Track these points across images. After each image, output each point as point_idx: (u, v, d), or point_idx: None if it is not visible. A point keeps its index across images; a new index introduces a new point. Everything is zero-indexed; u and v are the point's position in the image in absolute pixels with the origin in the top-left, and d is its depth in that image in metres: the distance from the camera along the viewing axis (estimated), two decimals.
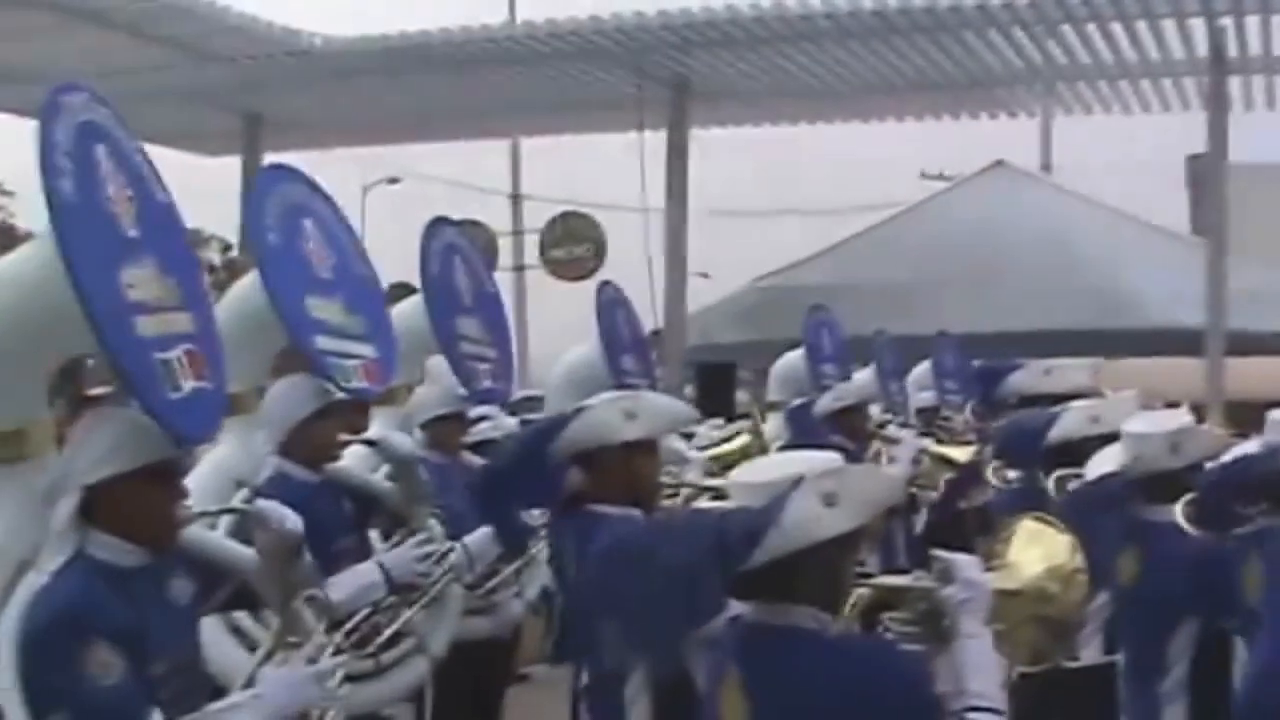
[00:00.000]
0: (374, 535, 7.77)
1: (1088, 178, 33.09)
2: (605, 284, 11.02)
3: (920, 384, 13.71)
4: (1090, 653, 7.73)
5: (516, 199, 38.75)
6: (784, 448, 10.80)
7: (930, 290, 23.72)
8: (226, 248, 35.57)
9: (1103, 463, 7.39)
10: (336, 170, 23.65)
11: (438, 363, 9.09)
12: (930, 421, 12.90)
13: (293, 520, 5.42)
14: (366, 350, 7.40)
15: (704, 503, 8.24)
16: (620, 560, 4.52)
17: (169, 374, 4.80)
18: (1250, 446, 7.21)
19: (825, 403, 11.22)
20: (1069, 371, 11.77)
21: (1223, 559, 6.71)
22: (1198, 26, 20.61)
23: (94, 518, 4.79)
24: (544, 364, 22.84)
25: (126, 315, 4.68)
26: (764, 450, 11.17)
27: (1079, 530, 5.16)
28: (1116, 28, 20.67)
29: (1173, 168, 36.29)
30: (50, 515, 4.77)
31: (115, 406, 5.20)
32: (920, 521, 10.73)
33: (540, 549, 8.22)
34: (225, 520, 6.03)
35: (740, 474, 4.66)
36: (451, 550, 7.57)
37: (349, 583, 6.75)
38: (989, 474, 10.49)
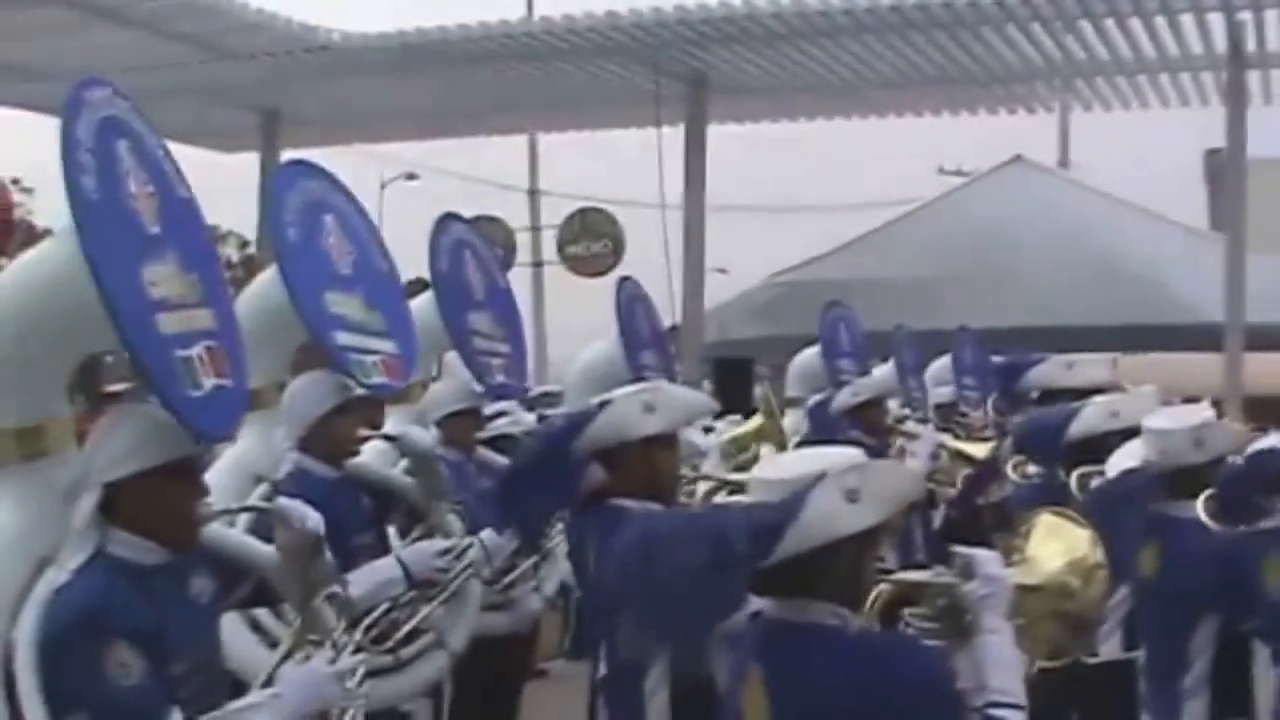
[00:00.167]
0: (390, 532, 7.78)
1: (1106, 173, 33.18)
2: (625, 280, 11.07)
3: (939, 379, 13.71)
4: (1110, 648, 7.72)
5: (534, 195, 38.81)
6: (802, 443, 10.83)
7: (948, 285, 23.71)
8: (244, 244, 35.73)
9: (1124, 459, 7.46)
10: (354, 166, 23.67)
11: (455, 358, 9.13)
12: (948, 417, 12.90)
13: (314, 519, 5.39)
14: (386, 346, 7.45)
15: (723, 496, 8.32)
16: (641, 555, 4.45)
17: (190, 371, 4.80)
18: (1271, 441, 7.21)
19: (844, 398, 11.22)
20: (1090, 366, 11.78)
21: (1244, 554, 6.69)
22: (1216, 21, 20.57)
23: (114, 515, 4.79)
24: (562, 360, 22.88)
25: (148, 312, 4.68)
26: (779, 431, 11.19)
27: (1101, 526, 5.13)
28: (1135, 23, 20.65)
29: (1191, 163, 36.36)
30: (71, 512, 4.77)
31: (136, 403, 5.24)
32: (938, 517, 10.69)
33: (558, 544, 8.27)
34: (243, 516, 6.01)
35: (761, 470, 4.66)
36: (470, 546, 7.55)
37: (368, 578, 6.78)
38: (1008, 469, 10.49)
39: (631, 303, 10.71)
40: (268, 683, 5.11)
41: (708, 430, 11.10)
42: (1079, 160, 37.65)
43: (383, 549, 7.39)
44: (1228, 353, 20.72)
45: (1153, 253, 24.97)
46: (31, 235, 23.37)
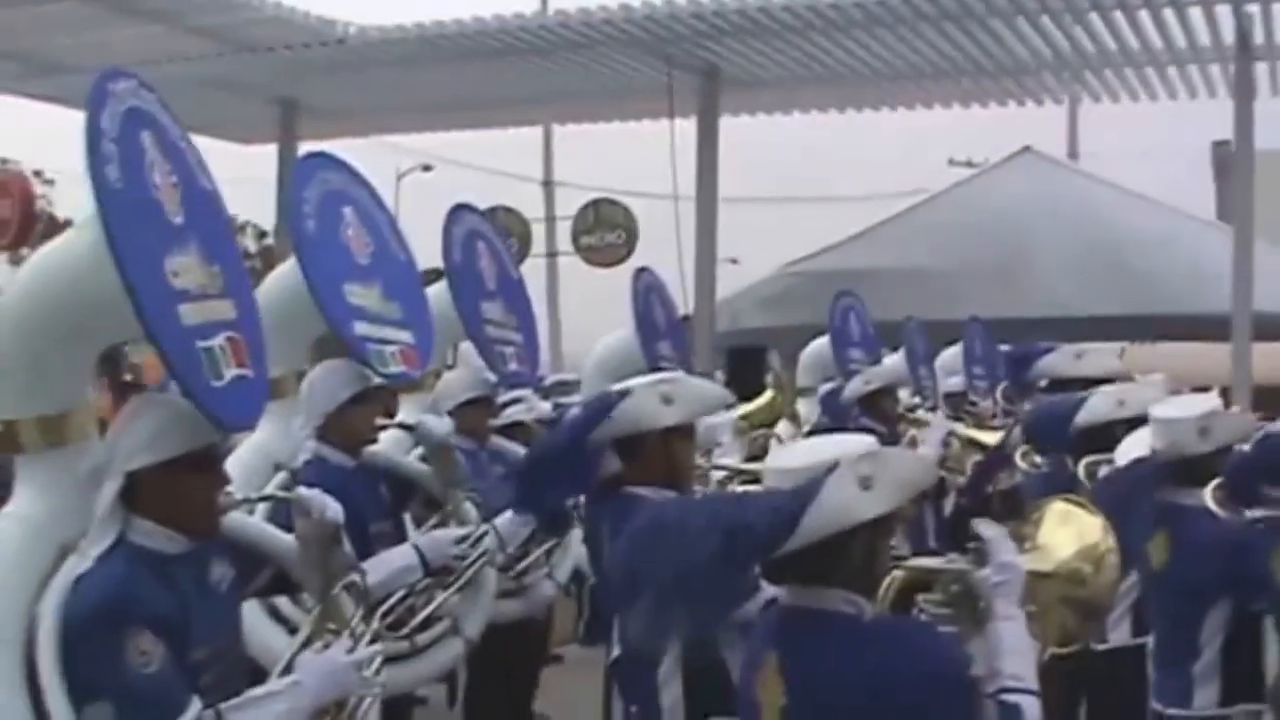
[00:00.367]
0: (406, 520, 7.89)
1: (1114, 164, 33.14)
2: (642, 270, 11.14)
3: (949, 369, 13.80)
4: (1119, 635, 7.89)
5: (549, 186, 38.92)
6: (814, 431, 11.01)
7: (958, 276, 23.74)
8: (262, 234, 35.74)
9: (1132, 448, 7.55)
10: (370, 157, 23.67)
11: (470, 348, 9.25)
12: (958, 406, 13.00)
13: (333, 509, 5.48)
14: (404, 336, 7.59)
15: (736, 485, 8.47)
16: (654, 543, 4.51)
17: (211, 362, 4.84)
18: (1278, 428, 7.36)
19: (855, 386, 11.36)
20: (1098, 355, 11.89)
21: (1253, 542, 6.80)
22: (1224, 13, 20.54)
23: (136, 504, 4.86)
24: (577, 349, 23.02)
25: (171, 303, 4.71)
26: (789, 404, 11.34)
27: (1111, 516, 5.21)
28: (1143, 15, 20.61)
29: (1199, 154, 36.31)
30: (93, 500, 4.84)
31: (157, 393, 5.38)
32: (949, 505, 10.69)
33: (572, 531, 8.38)
34: (262, 504, 6.13)
35: (775, 459, 4.78)
36: (486, 534, 7.63)
37: (385, 566, 6.86)
38: (1018, 458, 10.63)
39: (648, 293, 10.77)
40: (286, 670, 5.16)
41: None
42: (1087, 151, 37.73)
43: (399, 537, 7.49)
44: (1235, 342, 20.68)
45: (1161, 243, 24.93)
46: (52, 226, 23.53)
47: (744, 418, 10.75)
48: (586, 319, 23.99)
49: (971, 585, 4.65)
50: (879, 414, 11.06)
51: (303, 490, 5.56)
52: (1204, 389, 9.71)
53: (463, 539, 7.40)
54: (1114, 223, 25.87)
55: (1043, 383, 12.07)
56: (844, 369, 12.77)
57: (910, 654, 4.24)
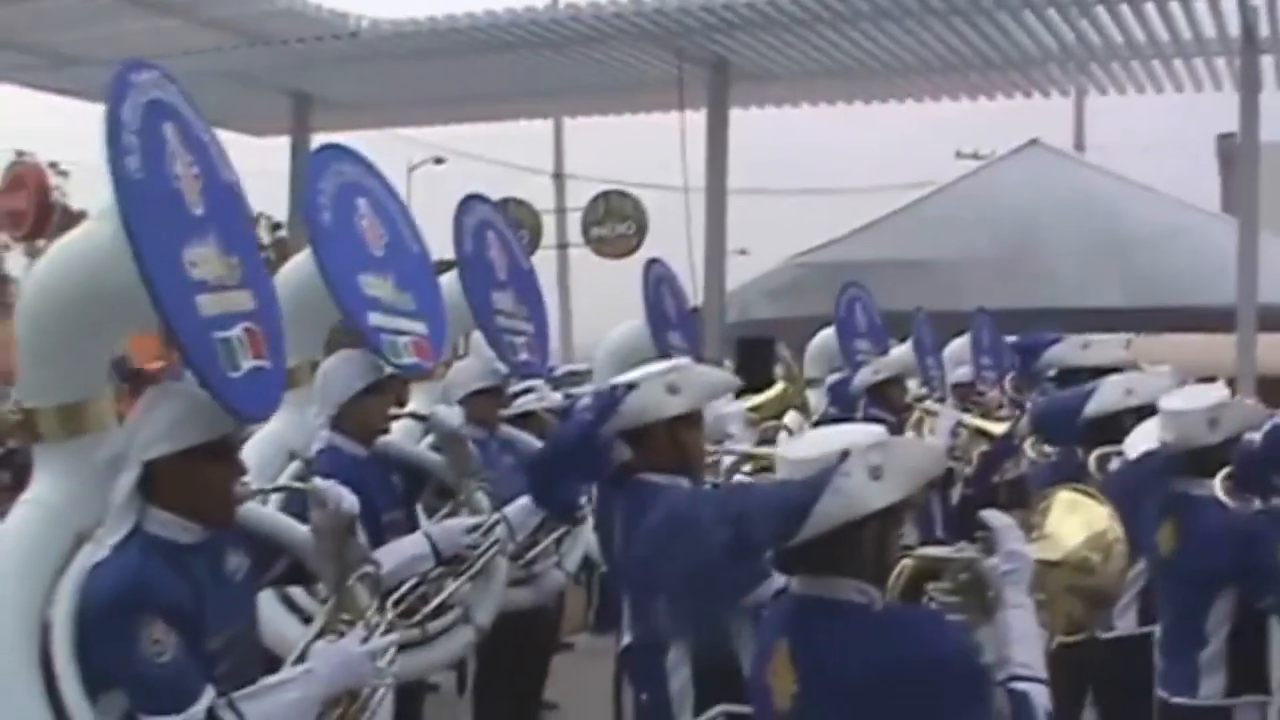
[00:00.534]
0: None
1: (1120, 156, 33.15)
2: (653, 261, 11.17)
3: (956, 359, 13.84)
4: (1126, 624, 7.86)
5: (559, 178, 38.94)
6: (822, 421, 11.09)
7: (965, 267, 23.82)
8: (276, 226, 35.74)
9: (1141, 439, 7.53)
10: (382, 150, 23.68)
11: (480, 337, 9.26)
12: (966, 396, 13.03)
13: (349, 500, 5.44)
14: (417, 327, 7.58)
15: (746, 470, 8.57)
16: (667, 532, 4.54)
17: (228, 352, 4.83)
18: None
19: (864, 376, 11.41)
20: (1106, 345, 11.96)
21: (1262, 532, 6.81)
22: (1230, 6, 20.53)
23: (153, 494, 4.87)
24: (587, 339, 23.07)
25: (189, 293, 4.71)
26: (800, 394, 11.41)
27: (1120, 508, 5.22)
28: (1149, 8, 20.66)
29: (1204, 146, 36.26)
30: (110, 489, 4.84)
31: (175, 383, 5.27)
32: (956, 494, 10.82)
33: (582, 520, 8.27)
34: (276, 494, 6.14)
35: (786, 449, 4.71)
36: (498, 523, 7.64)
37: (397, 554, 6.87)
38: (1027, 447, 10.72)
39: (659, 284, 10.79)
40: (300, 660, 5.14)
41: None
42: (1094, 144, 37.73)
43: (412, 526, 7.50)
44: (1240, 334, 20.70)
45: (1167, 236, 24.97)
46: (68, 217, 23.64)
47: (754, 409, 10.79)
48: (597, 310, 24.02)
49: (980, 574, 4.65)
50: (887, 404, 11.11)
51: (319, 481, 5.50)
52: (1209, 380, 9.77)
53: (474, 528, 7.43)
54: (1120, 215, 25.92)
55: (1050, 373, 12.11)
56: (850, 360, 12.83)
57: (921, 642, 4.24)
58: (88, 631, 4.64)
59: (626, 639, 6.96)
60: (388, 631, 5.47)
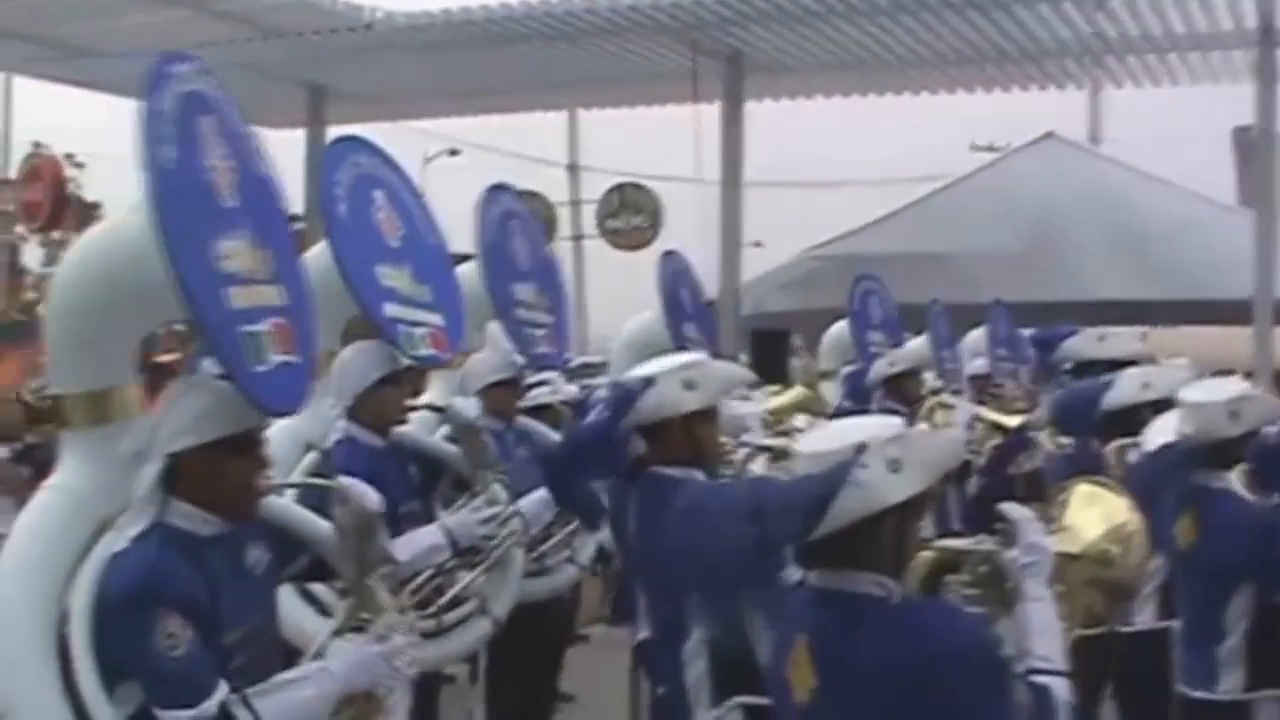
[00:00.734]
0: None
1: (1136, 149, 33.03)
2: (669, 253, 11.15)
3: (973, 351, 13.83)
4: (1145, 618, 7.82)
5: (574, 170, 38.96)
6: (837, 413, 11.08)
7: (980, 260, 23.82)
8: (292, 219, 35.84)
9: (1160, 432, 7.54)
10: (398, 142, 23.65)
11: (495, 328, 9.23)
12: (983, 389, 13.02)
13: (373, 499, 5.43)
14: (434, 318, 7.59)
15: (762, 461, 8.56)
16: (688, 529, 4.58)
17: (256, 346, 4.81)
18: None
19: (880, 368, 11.42)
20: (1123, 338, 11.95)
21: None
22: None
23: (176, 486, 4.87)
24: (602, 332, 23.08)
25: (218, 286, 4.70)
26: (820, 401, 11.41)
27: (1140, 501, 5.24)
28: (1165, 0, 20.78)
29: (1220, 139, 36.11)
30: (133, 478, 4.84)
31: (199, 376, 5.34)
32: (972, 487, 10.74)
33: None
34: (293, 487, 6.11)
35: (803, 442, 4.64)
36: (515, 515, 7.63)
37: (413, 545, 6.89)
38: (1045, 439, 10.69)
39: (675, 276, 10.75)
40: (317, 657, 5.14)
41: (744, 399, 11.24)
42: (1109, 136, 37.64)
43: (428, 517, 7.49)
44: (1257, 326, 20.70)
45: (1183, 228, 24.97)
46: (83, 209, 23.66)
47: (772, 413, 10.78)
48: (611, 302, 24.01)
49: (1000, 566, 4.65)
50: (902, 396, 11.11)
51: (343, 479, 5.49)
52: (1226, 373, 9.74)
53: (490, 519, 7.41)
54: (1136, 208, 25.92)
55: (1066, 365, 12.12)
56: (863, 352, 12.83)
57: (940, 636, 4.21)
58: (104, 623, 4.65)
59: (643, 633, 6.95)
60: (406, 632, 5.42)
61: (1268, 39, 21.44)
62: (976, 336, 13.90)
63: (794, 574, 4.74)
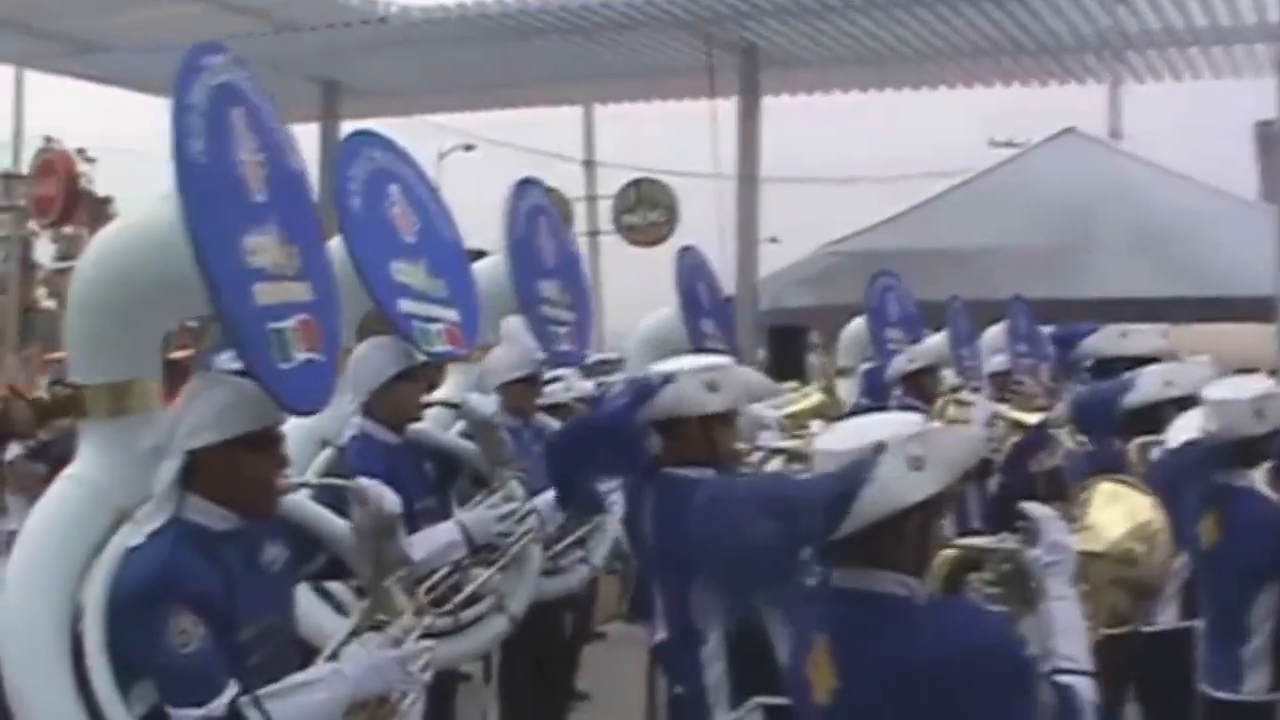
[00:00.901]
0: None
1: (1157, 144, 32.97)
2: (687, 249, 11.07)
3: (992, 348, 13.77)
4: (1168, 618, 7.72)
5: (590, 165, 38.93)
6: (855, 410, 10.98)
7: (1000, 256, 23.73)
8: None
9: (1184, 429, 7.44)
10: (412, 137, 23.66)
11: (513, 323, 9.20)
12: (1003, 386, 12.96)
13: (391, 500, 5.42)
14: (449, 314, 7.55)
15: (777, 464, 8.48)
16: (708, 527, 4.48)
17: (281, 344, 4.77)
18: None
19: (899, 364, 11.37)
20: (1145, 334, 11.89)
21: None
22: None
23: (195, 483, 4.84)
24: (617, 327, 23.02)
25: (245, 281, 4.65)
26: (837, 407, 11.34)
27: (1163, 500, 5.18)
28: None
29: (1242, 134, 36.07)
30: (152, 472, 4.82)
31: (220, 373, 5.29)
32: (993, 485, 10.68)
33: (608, 514, 8.32)
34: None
35: (823, 441, 4.58)
36: (532, 512, 7.59)
37: (429, 542, 6.84)
38: (1065, 437, 10.61)
39: (693, 272, 10.69)
40: (332, 658, 5.14)
41: None
42: (1130, 131, 37.52)
43: (445, 514, 7.44)
44: (1279, 324, 20.71)
45: (1204, 224, 24.90)
46: (95, 204, 23.69)
47: (790, 418, 10.70)
48: (627, 298, 23.97)
49: (1023, 565, 4.61)
50: (921, 393, 11.05)
51: (363, 480, 5.48)
52: (1249, 370, 9.67)
53: (507, 516, 7.37)
54: (1157, 203, 25.83)
55: (1088, 362, 12.05)
56: (881, 349, 12.78)
57: (963, 635, 4.17)
58: (117, 620, 4.64)
59: (660, 634, 6.88)
60: (423, 636, 5.40)
61: None
62: (996, 333, 13.83)
63: (815, 574, 4.64)
